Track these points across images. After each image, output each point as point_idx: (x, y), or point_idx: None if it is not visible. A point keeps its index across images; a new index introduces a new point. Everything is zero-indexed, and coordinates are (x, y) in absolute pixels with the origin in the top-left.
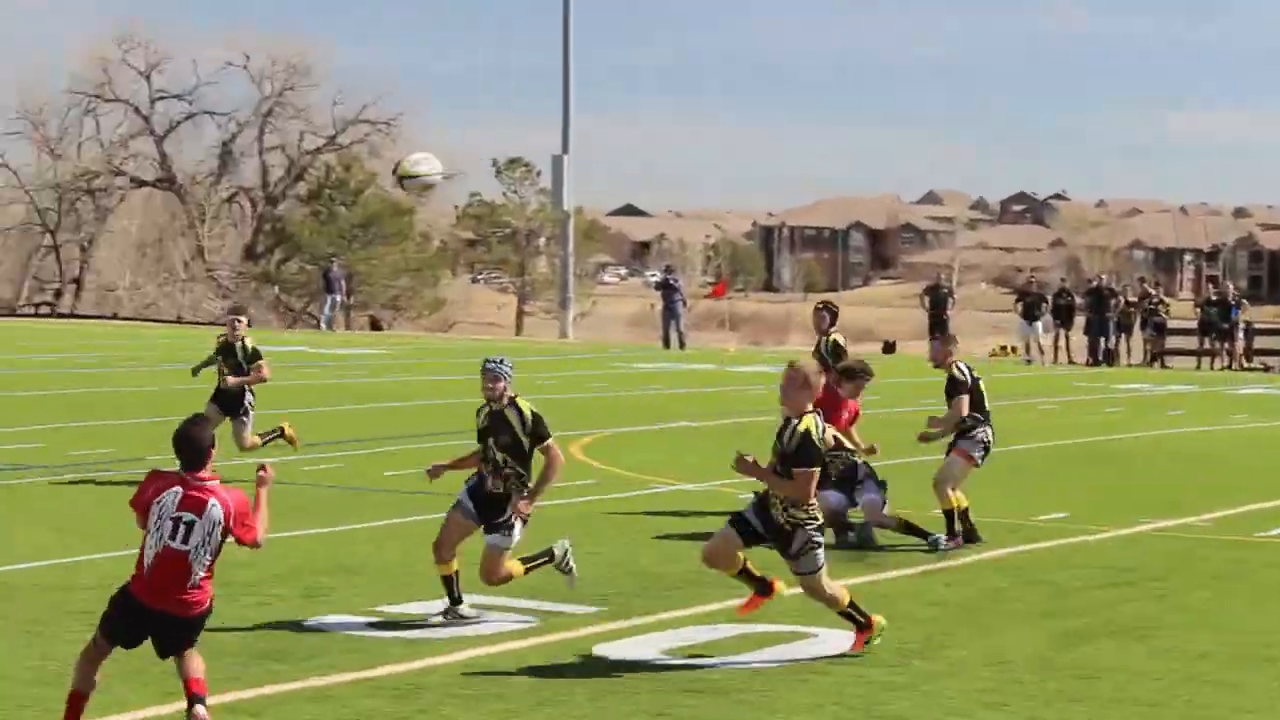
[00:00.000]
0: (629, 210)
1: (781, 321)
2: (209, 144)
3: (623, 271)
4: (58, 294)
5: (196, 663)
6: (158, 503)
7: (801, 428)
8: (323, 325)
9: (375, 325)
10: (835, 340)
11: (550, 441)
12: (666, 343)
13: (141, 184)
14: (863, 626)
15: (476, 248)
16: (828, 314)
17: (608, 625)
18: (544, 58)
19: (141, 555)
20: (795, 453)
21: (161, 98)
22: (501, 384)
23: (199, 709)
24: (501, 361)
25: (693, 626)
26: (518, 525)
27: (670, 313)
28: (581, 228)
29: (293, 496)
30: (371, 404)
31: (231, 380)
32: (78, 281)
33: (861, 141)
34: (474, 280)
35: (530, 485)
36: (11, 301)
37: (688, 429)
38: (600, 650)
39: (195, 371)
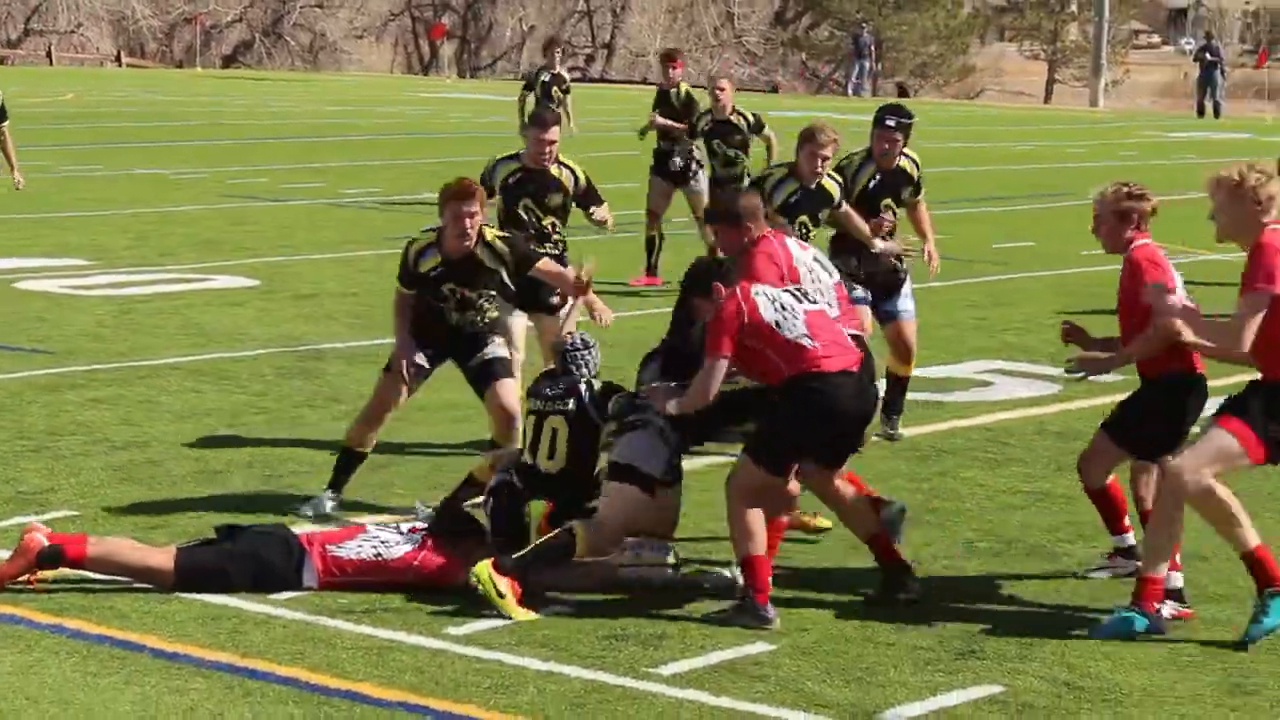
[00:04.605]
0: None
1: None
2: None
3: (1155, 39)
4: (589, 59)
5: None
6: None
7: None
8: (849, 91)
9: (903, 92)
10: None
11: None
12: (1201, 111)
13: None
14: None
15: (1007, 14)
16: None
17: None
18: None
19: None
20: None
21: None
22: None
23: None
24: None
25: None
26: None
27: (1207, 81)
28: None
29: None
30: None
31: None
32: (608, 46)
33: None
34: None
35: None
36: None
37: None
38: None
39: None
